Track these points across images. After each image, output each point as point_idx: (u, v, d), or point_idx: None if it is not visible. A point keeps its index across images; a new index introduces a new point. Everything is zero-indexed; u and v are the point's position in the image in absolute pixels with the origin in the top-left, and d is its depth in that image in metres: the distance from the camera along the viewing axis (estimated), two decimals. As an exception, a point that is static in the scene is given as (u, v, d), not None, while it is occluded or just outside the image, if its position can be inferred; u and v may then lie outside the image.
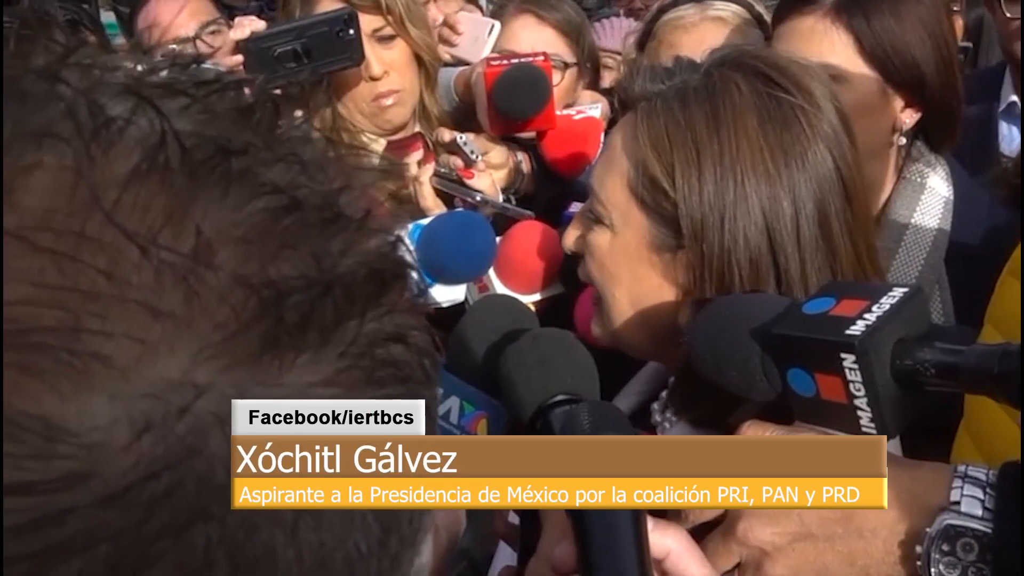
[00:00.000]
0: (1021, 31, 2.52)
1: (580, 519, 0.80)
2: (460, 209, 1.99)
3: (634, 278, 1.19)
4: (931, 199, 1.79)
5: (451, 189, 2.04)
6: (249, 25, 2.01)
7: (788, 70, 1.14)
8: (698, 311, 1.04)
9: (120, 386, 0.34)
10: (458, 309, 1.76)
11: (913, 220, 1.77)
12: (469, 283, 1.87)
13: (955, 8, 3.15)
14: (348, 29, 1.98)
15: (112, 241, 0.35)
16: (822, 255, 1.10)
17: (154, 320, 0.35)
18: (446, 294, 1.80)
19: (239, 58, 1.97)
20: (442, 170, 2.06)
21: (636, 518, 0.79)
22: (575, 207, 2.06)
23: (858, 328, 0.86)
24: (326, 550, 0.39)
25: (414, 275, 0.45)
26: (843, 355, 0.86)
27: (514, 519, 1.17)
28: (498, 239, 1.86)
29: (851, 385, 0.86)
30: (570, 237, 1.29)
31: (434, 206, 2.02)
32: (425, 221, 1.80)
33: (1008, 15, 2.72)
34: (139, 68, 0.42)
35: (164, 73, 0.42)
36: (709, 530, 0.92)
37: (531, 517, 1.04)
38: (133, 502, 0.34)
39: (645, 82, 1.17)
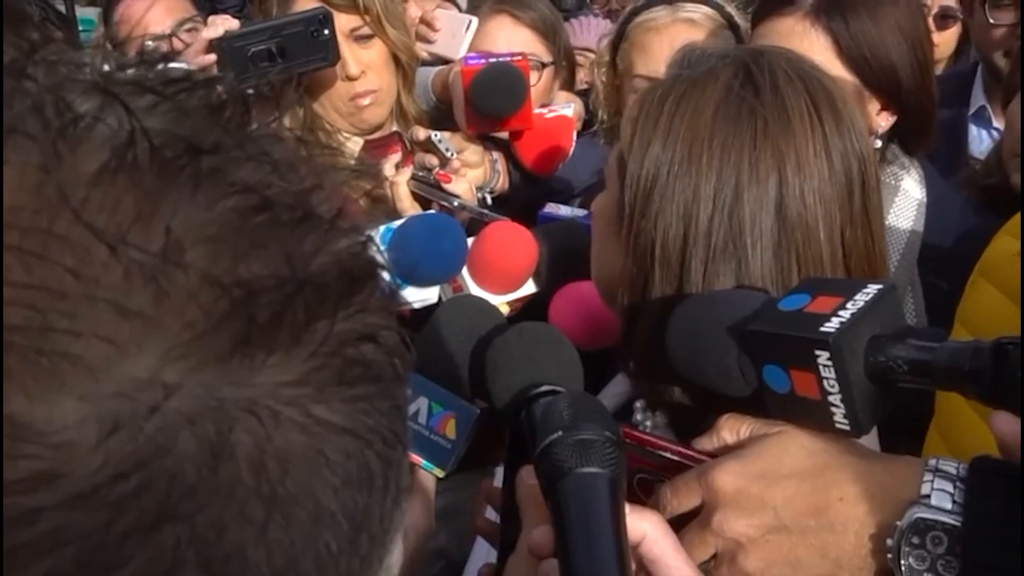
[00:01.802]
0: (1022, 37, 2.52)
1: (556, 496, 0.81)
2: (432, 212, 2.00)
3: (603, 241, 1.21)
4: (905, 201, 1.81)
5: (428, 193, 2.04)
6: (223, 24, 1.99)
7: (774, 73, 1.11)
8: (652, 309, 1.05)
9: (89, 386, 0.34)
10: (432, 310, 1.76)
11: (887, 222, 1.78)
12: (443, 284, 1.87)
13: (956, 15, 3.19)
14: (323, 29, 1.97)
15: (80, 240, 0.34)
16: (731, 267, 1.06)
17: (123, 319, 0.34)
18: (418, 296, 1.80)
19: (212, 57, 1.96)
20: (420, 173, 2.07)
21: (613, 495, 0.80)
22: (550, 207, 2.07)
23: (832, 325, 0.86)
24: (296, 549, 0.38)
25: (385, 275, 0.44)
26: (817, 352, 0.86)
27: (493, 517, 1.18)
28: (472, 240, 1.86)
29: (825, 382, 0.87)
30: None
31: (411, 208, 2.02)
32: (396, 224, 1.80)
33: (991, 21, 2.72)
34: (107, 65, 0.41)
35: (132, 71, 0.41)
36: (687, 521, 0.93)
37: (511, 514, 1.04)
38: (102, 502, 0.33)
39: (674, 66, 1.18)
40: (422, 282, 1.79)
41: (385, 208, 2.00)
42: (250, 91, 0.44)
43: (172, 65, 0.43)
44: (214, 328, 0.36)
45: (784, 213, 1.06)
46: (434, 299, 1.82)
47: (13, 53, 0.39)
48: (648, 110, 1.12)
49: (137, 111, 0.38)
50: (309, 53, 1.98)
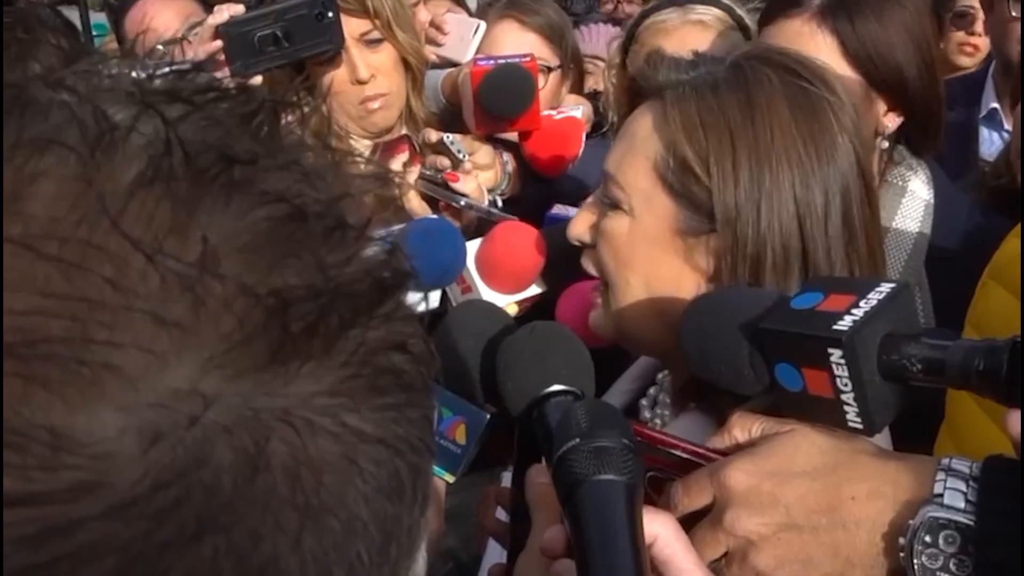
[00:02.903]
0: (1022, 30, 2.49)
1: (573, 503, 0.81)
2: (432, 216, 2.00)
3: (652, 263, 1.18)
4: (912, 203, 1.81)
5: (436, 192, 2.05)
6: (228, 10, 1.99)
7: (811, 65, 1.17)
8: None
9: (129, 396, 0.34)
10: (434, 314, 1.77)
11: (894, 223, 1.78)
12: (452, 285, 1.88)
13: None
14: (327, 12, 1.97)
15: (118, 250, 0.34)
16: (844, 245, 1.11)
17: (161, 330, 0.34)
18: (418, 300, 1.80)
19: (218, 43, 1.96)
20: (427, 172, 2.07)
21: (630, 502, 0.80)
22: (558, 208, 2.07)
23: (845, 323, 0.86)
24: (330, 559, 0.38)
25: (412, 283, 0.44)
26: (830, 350, 0.86)
27: (504, 517, 1.18)
28: (480, 240, 1.87)
29: (838, 380, 0.87)
30: (579, 226, 1.27)
31: (419, 209, 2.03)
32: (394, 230, 1.80)
33: (1014, 14, 2.67)
34: (137, 74, 0.41)
35: (162, 80, 0.41)
36: (698, 519, 0.93)
37: (521, 514, 1.04)
38: (141, 513, 0.33)
39: (669, 72, 1.18)
40: (421, 288, 1.79)
41: (394, 210, 2.00)
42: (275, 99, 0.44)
43: (200, 73, 0.43)
44: (250, 338, 0.36)
45: (865, 181, 1.14)
46: (435, 303, 1.83)
47: (49, 63, 0.39)
48: (708, 124, 1.13)
49: (170, 120, 0.38)
50: (314, 36, 1.98)
